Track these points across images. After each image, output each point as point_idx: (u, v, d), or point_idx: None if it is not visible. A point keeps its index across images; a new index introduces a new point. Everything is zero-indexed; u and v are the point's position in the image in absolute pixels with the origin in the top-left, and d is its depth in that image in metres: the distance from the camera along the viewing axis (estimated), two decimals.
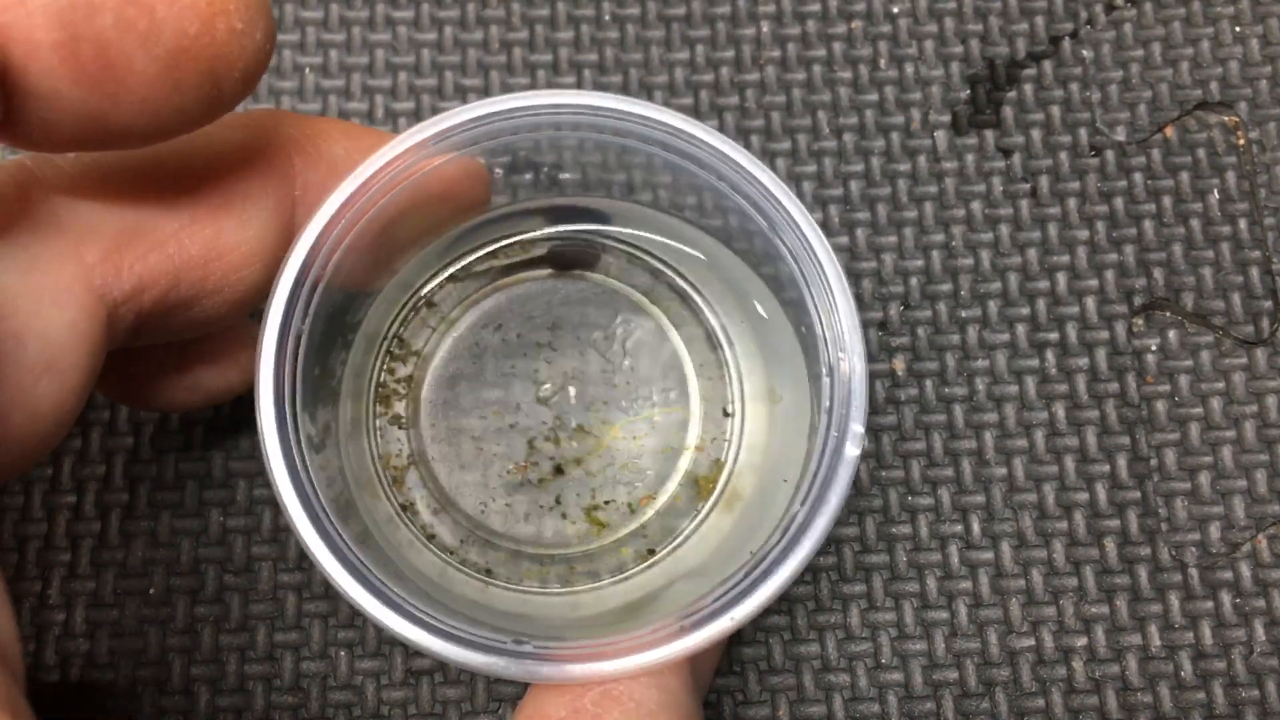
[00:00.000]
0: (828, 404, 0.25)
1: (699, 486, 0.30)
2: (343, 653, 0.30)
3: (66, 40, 0.19)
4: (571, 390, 0.31)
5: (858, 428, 0.24)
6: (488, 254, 0.32)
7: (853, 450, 0.24)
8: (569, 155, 0.30)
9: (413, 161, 0.26)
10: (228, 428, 0.32)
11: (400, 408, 0.30)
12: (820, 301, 0.26)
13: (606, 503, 0.30)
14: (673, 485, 0.30)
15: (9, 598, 0.18)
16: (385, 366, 0.31)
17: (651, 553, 0.29)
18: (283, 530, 0.31)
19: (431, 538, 0.29)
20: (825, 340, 0.26)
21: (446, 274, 0.31)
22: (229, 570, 0.31)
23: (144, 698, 0.29)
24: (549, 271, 0.31)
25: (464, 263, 0.31)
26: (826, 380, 0.25)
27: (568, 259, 0.31)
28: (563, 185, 0.31)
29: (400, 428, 0.30)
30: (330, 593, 0.30)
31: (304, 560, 0.31)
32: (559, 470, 0.30)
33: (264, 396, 0.24)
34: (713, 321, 0.31)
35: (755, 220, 0.26)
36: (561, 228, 0.31)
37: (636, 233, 0.31)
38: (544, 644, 0.23)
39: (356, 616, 0.30)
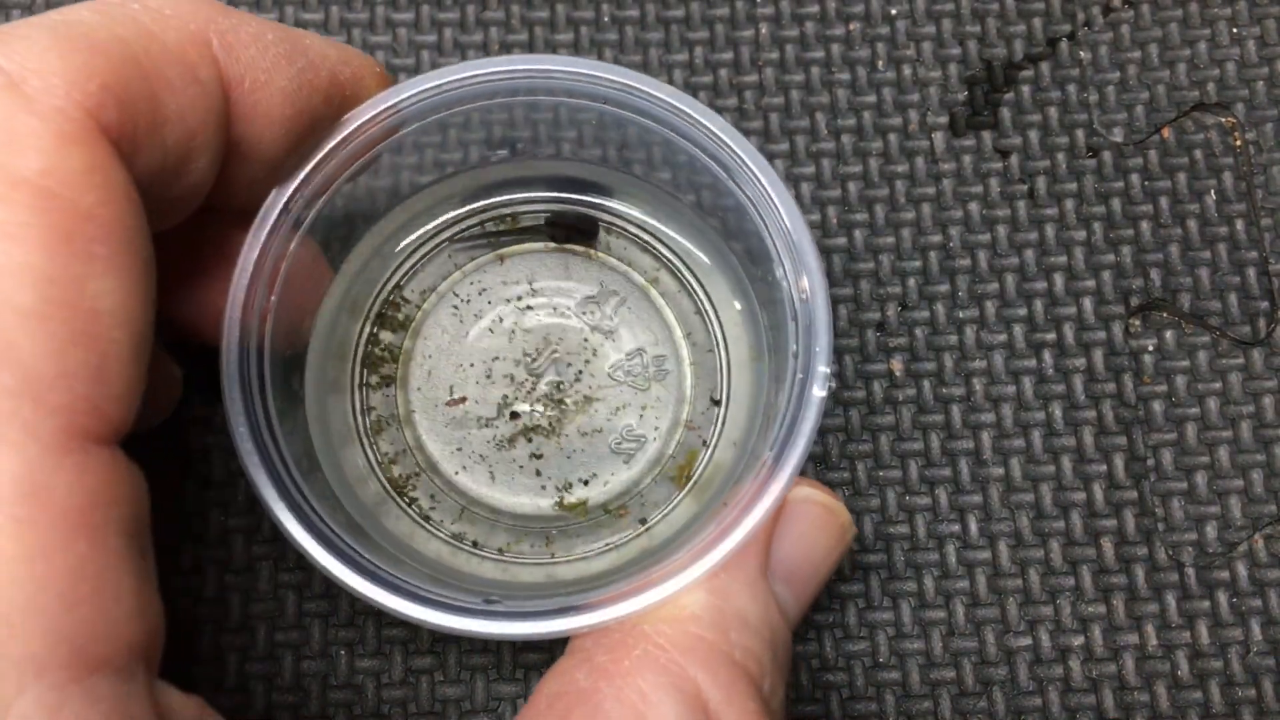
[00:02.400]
0: (794, 348, 0.25)
1: (679, 467, 0.30)
2: (343, 652, 0.30)
3: (294, 115, 0.23)
4: (559, 360, 0.31)
5: (823, 369, 0.24)
6: (482, 221, 0.32)
7: (819, 391, 0.24)
8: (548, 129, 0.30)
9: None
10: (226, 427, 0.32)
11: (385, 370, 0.30)
12: (782, 246, 0.26)
13: (593, 474, 0.30)
14: (661, 457, 0.30)
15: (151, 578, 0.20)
16: (372, 329, 0.31)
17: (643, 522, 0.29)
18: None
19: (411, 502, 0.29)
20: (790, 285, 0.26)
21: (439, 239, 0.32)
22: (229, 570, 0.31)
23: None
24: (544, 241, 0.32)
25: (457, 229, 0.32)
26: (792, 325, 0.25)
27: (565, 230, 0.31)
28: (562, 153, 0.31)
29: (384, 390, 0.30)
30: (331, 591, 0.30)
31: (304, 560, 0.31)
32: (542, 438, 0.30)
33: (229, 360, 0.25)
34: (701, 294, 0.31)
35: (712, 170, 0.27)
36: (560, 196, 0.32)
37: (633, 212, 0.31)
38: (517, 603, 0.23)
39: (357, 615, 0.30)
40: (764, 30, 0.36)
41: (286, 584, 0.31)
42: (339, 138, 0.26)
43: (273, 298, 0.26)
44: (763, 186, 0.26)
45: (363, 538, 0.26)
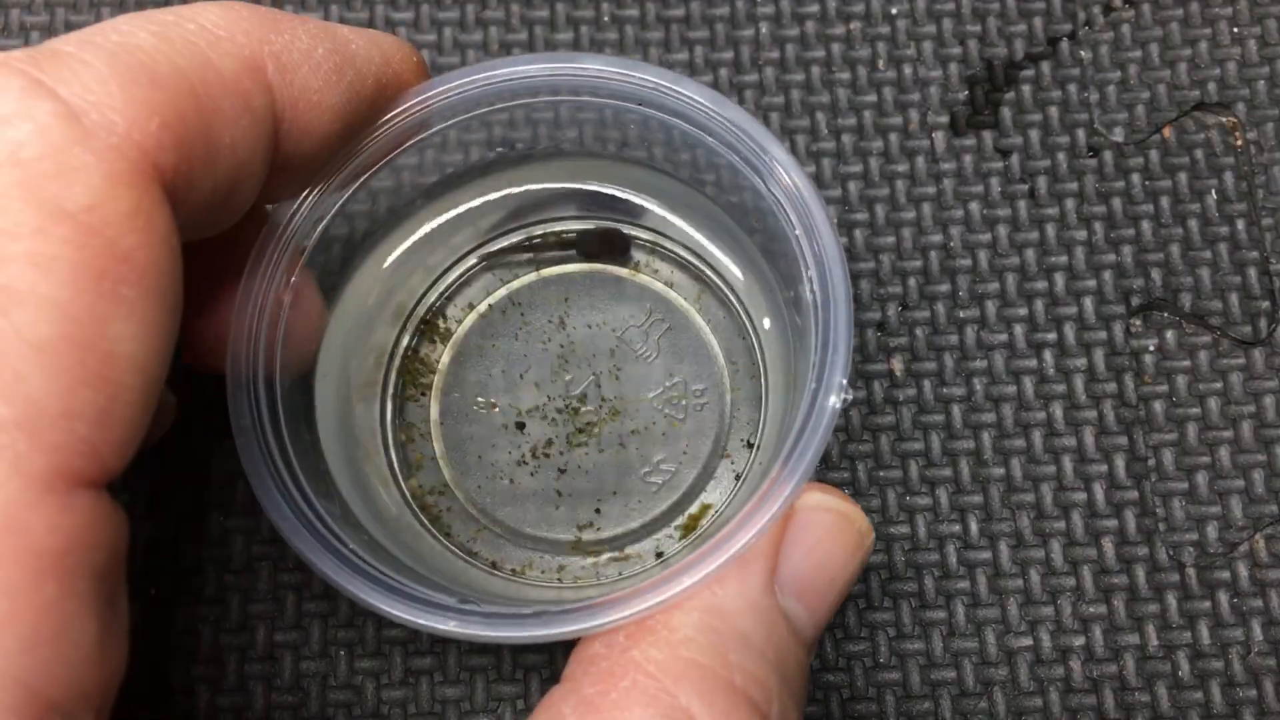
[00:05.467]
0: (814, 359, 0.23)
1: (691, 516, 0.29)
2: (342, 652, 0.30)
3: (342, 130, 0.23)
4: (595, 383, 0.30)
5: (839, 378, 0.23)
6: (521, 239, 0.31)
7: (833, 401, 0.23)
8: (587, 129, 0.30)
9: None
10: (224, 427, 0.32)
11: (422, 380, 0.30)
12: (809, 253, 0.24)
13: (618, 504, 0.29)
14: (689, 492, 0.29)
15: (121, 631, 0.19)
16: (410, 342, 0.30)
17: (659, 555, 0.29)
18: None
19: (434, 518, 0.29)
20: (814, 294, 0.24)
21: (477, 257, 0.31)
22: (229, 570, 0.31)
23: (144, 698, 0.30)
24: (582, 260, 0.31)
25: (496, 246, 0.31)
26: (814, 336, 0.24)
27: (596, 245, 0.31)
28: (596, 164, 0.30)
29: (416, 401, 0.30)
30: (330, 592, 0.30)
31: (303, 561, 0.31)
32: (571, 462, 0.29)
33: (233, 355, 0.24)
34: (745, 320, 0.30)
35: (745, 174, 0.26)
36: (592, 218, 0.31)
37: (667, 216, 0.31)
38: (494, 607, 0.22)
39: (356, 616, 0.30)
40: (764, 29, 0.36)
41: (286, 584, 0.31)
42: (352, 150, 0.26)
43: (281, 326, 0.25)
44: (788, 177, 0.25)
45: (348, 528, 0.25)
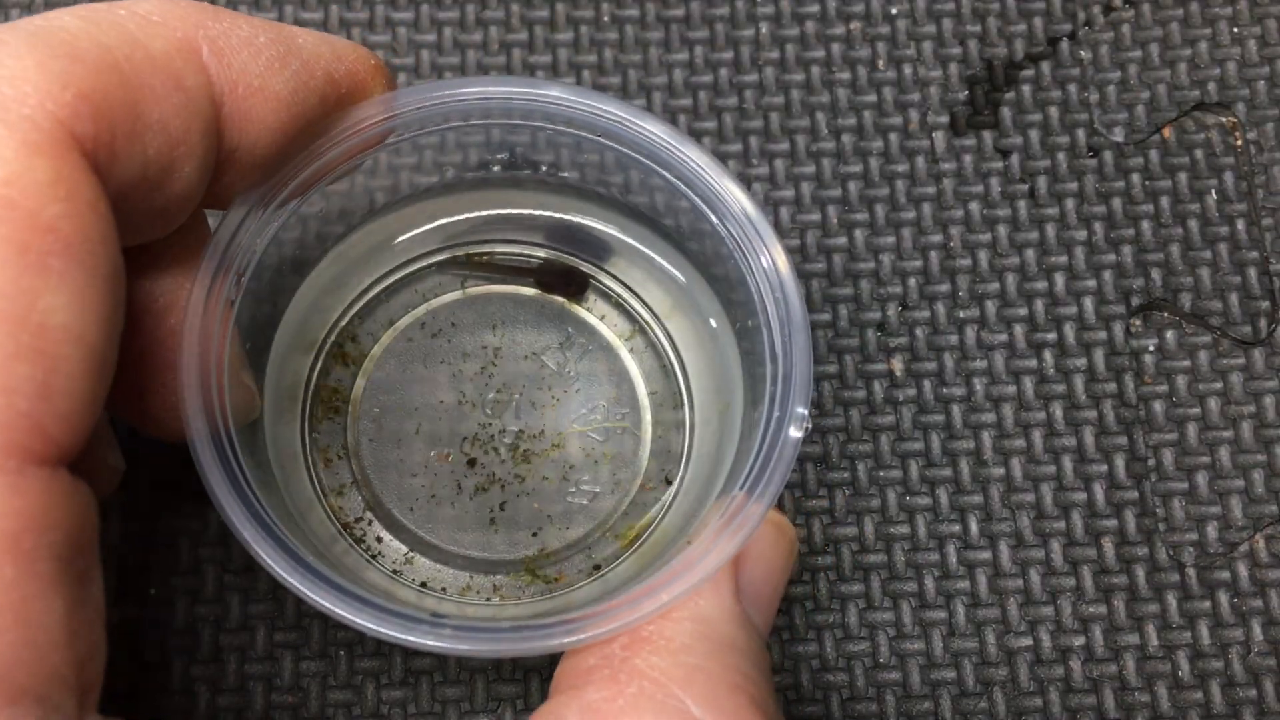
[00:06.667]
0: (771, 388, 0.24)
1: (630, 527, 0.29)
2: (342, 652, 0.30)
3: (289, 120, 0.23)
4: (518, 405, 0.30)
5: (800, 409, 0.23)
6: (468, 254, 0.31)
7: (794, 432, 0.23)
8: (566, 154, 0.30)
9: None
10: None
11: (337, 402, 0.30)
12: (764, 285, 0.25)
13: (545, 525, 0.29)
14: (614, 513, 0.29)
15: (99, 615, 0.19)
16: (325, 363, 0.30)
17: (597, 568, 0.29)
18: None
19: (358, 539, 0.29)
20: (770, 325, 0.25)
21: (406, 271, 0.31)
22: (228, 570, 0.31)
23: (144, 697, 0.30)
24: (527, 285, 0.31)
25: (431, 261, 0.31)
26: (769, 365, 0.24)
27: (554, 279, 0.31)
28: (554, 191, 0.30)
29: (335, 421, 0.30)
30: None
31: None
32: (494, 485, 0.29)
33: (187, 375, 0.24)
34: (670, 354, 0.31)
35: (699, 207, 0.26)
36: (545, 246, 0.31)
37: (626, 274, 0.31)
38: (464, 621, 0.23)
39: None
40: (764, 30, 0.36)
41: None
42: (295, 167, 0.25)
43: (225, 375, 0.25)
44: (741, 214, 0.25)
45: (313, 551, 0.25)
